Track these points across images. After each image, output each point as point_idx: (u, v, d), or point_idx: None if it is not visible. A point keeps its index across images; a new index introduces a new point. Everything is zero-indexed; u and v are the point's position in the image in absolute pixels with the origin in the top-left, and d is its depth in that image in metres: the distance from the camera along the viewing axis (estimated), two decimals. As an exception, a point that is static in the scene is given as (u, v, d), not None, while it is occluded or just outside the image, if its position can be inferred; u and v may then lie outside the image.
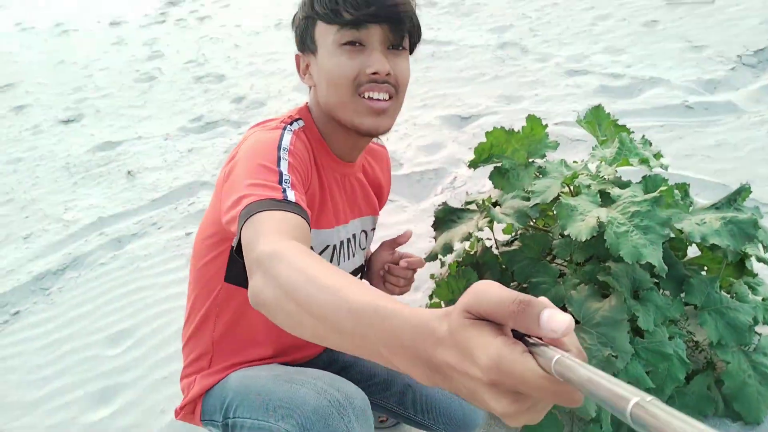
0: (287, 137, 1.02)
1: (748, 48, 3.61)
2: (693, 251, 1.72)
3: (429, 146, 3.22)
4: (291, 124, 1.09)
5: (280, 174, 0.91)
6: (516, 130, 1.67)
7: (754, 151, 2.58)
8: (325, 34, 1.03)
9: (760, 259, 1.57)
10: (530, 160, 1.74)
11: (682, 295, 1.51)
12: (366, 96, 1.02)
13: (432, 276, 1.92)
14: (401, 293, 1.34)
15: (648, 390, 1.41)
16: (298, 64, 1.14)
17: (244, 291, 1.15)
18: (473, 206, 1.68)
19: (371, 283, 1.37)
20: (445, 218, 1.64)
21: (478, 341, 0.43)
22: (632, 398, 0.33)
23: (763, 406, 1.40)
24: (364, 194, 1.28)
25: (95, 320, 2.33)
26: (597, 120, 1.88)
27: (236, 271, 1.14)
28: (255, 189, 0.87)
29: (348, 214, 1.23)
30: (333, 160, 1.16)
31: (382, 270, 1.34)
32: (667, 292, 1.54)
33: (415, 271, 1.32)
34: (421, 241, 2.46)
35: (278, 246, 0.71)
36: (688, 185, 1.65)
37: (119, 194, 3.27)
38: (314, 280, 0.61)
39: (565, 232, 1.38)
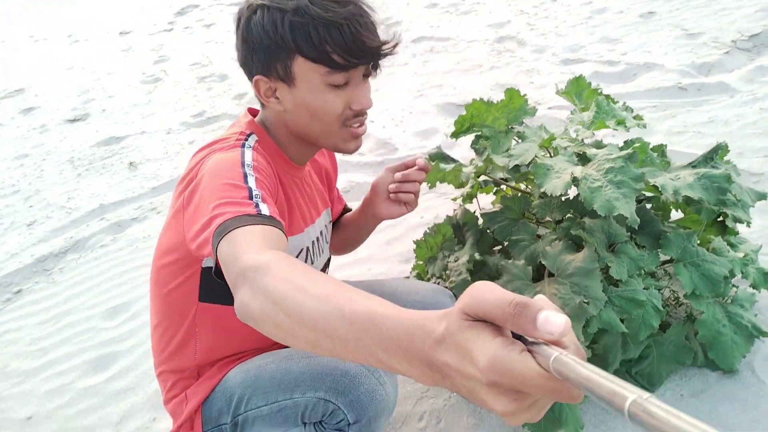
0: (248, 154, 1.00)
1: (743, 33, 3.62)
2: (677, 216, 1.75)
3: (424, 132, 3.26)
4: (246, 139, 1.07)
5: (250, 189, 0.89)
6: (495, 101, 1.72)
7: (745, 126, 2.59)
8: (309, 71, 1.01)
9: (736, 219, 1.58)
10: (510, 126, 1.78)
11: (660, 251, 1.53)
12: (351, 126, 1.09)
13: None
14: (412, 209, 1.31)
15: (622, 336, 1.43)
16: (259, 88, 1.07)
17: (223, 306, 1.12)
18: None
19: (375, 208, 1.33)
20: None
21: (476, 343, 0.43)
22: (630, 396, 0.33)
23: (737, 354, 1.41)
24: (317, 189, 1.31)
25: (94, 296, 2.39)
26: (577, 90, 1.91)
27: (211, 289, 1.10)
28: (225, 207, 0.84)
29: (313, 214, 1.25)
30: (291, 166, 1.18)
31: (393, 184, 1.28)
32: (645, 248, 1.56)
33: (421, 183, 1.29)
34: (412, 216, 2.50)
35: (262, 257, 0.69)
36: (665, 146, 1.67)
37: (121, 183, 3.34)
38: (303, 289, 0.60)
39: (542, 189, 1.41)
